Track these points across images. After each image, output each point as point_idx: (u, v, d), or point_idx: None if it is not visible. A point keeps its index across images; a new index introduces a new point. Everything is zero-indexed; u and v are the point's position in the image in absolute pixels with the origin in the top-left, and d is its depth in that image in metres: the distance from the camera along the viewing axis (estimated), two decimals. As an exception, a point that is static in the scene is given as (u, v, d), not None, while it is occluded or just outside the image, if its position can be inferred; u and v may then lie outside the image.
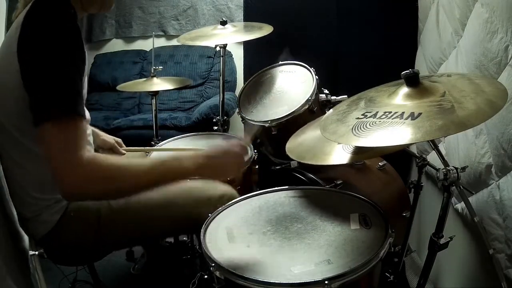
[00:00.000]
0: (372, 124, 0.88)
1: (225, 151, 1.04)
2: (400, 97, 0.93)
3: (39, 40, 0.89)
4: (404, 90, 0.93)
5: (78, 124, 0.90)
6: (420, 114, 0.84)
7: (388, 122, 0.86)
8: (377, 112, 0.92)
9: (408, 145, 1.32)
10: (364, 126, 0.89)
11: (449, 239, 1.02)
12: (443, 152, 1.47)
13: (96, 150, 1.37)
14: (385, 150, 1.17)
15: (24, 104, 0.93)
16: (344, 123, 0.96)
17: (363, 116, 0.93)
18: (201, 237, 1.03)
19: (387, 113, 0.89)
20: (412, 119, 0.83)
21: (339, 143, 1.12)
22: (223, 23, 1.86)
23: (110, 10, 1.15)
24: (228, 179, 1.14)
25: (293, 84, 1.66)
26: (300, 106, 1.51)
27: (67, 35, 0.90)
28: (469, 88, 0.90)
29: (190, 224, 1.11)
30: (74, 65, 0.91)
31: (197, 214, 1.10)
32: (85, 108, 0.96)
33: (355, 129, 0.90)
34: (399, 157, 1.35)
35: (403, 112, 0.87)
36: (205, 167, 0.98)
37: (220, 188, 1.27)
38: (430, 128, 0.79)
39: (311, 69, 1.63)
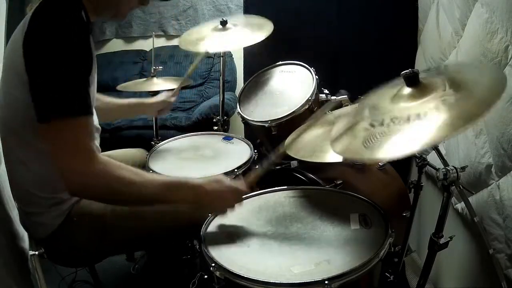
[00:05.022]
0: (381, 134, 0.84)
1: (227, 191, 1.06)
2: (402, 99, 0.91)
3: (45, 38, 0.89)
4: (405, 90, 0.92)
5: (83, 122, 0.91)
6: (425, 113, 0.82)
7: (397, 128, 0.83)
8: (383, 119, 0.88)
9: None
10: (374, 137, 0.84)
11: (449, 239, 1.02)
12: (443, 152, 1.47)
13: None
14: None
15: (28, 99, 0.93)
16: (354, 137, 0.91)
17: (371, 126, 0.89)
18: (201, 237, 1.03)
19: (394, 119, 0.86)
20: (419, 120, 0.81)
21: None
22: (223, 23, 1.86)
23: (123, 20, 1.17)
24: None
25: (293, 84, 1.66)
26: (300, 106, 1.51)
27: (73, 33, 0.90)
28: (467, 78, 0.88)
29: (194, 230, 1.11)
30: (79, 64, 0.91)
31: (200, 221, 1.10)
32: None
33: (366, 142, 0.85)
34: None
35: (409, 115, 0.83)
36: (203, 202, 1.05)
37: None
38: (439, 126, 0.77)
39: (311, 69, 1.62)
